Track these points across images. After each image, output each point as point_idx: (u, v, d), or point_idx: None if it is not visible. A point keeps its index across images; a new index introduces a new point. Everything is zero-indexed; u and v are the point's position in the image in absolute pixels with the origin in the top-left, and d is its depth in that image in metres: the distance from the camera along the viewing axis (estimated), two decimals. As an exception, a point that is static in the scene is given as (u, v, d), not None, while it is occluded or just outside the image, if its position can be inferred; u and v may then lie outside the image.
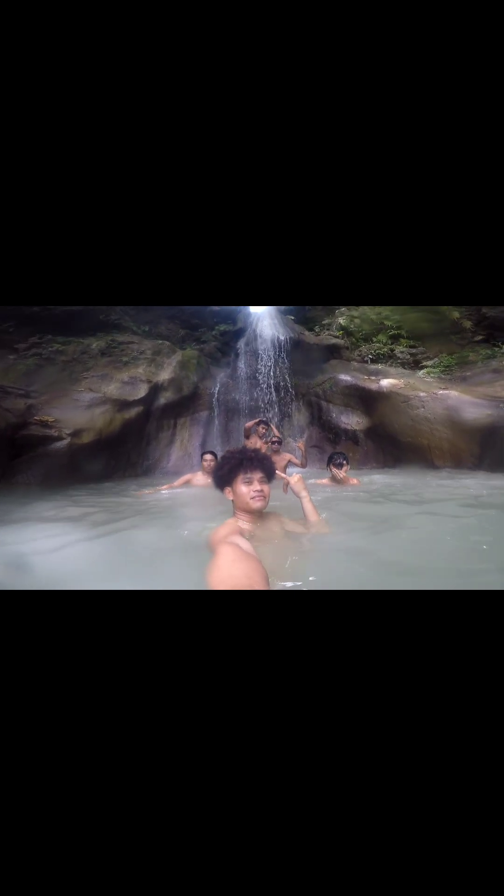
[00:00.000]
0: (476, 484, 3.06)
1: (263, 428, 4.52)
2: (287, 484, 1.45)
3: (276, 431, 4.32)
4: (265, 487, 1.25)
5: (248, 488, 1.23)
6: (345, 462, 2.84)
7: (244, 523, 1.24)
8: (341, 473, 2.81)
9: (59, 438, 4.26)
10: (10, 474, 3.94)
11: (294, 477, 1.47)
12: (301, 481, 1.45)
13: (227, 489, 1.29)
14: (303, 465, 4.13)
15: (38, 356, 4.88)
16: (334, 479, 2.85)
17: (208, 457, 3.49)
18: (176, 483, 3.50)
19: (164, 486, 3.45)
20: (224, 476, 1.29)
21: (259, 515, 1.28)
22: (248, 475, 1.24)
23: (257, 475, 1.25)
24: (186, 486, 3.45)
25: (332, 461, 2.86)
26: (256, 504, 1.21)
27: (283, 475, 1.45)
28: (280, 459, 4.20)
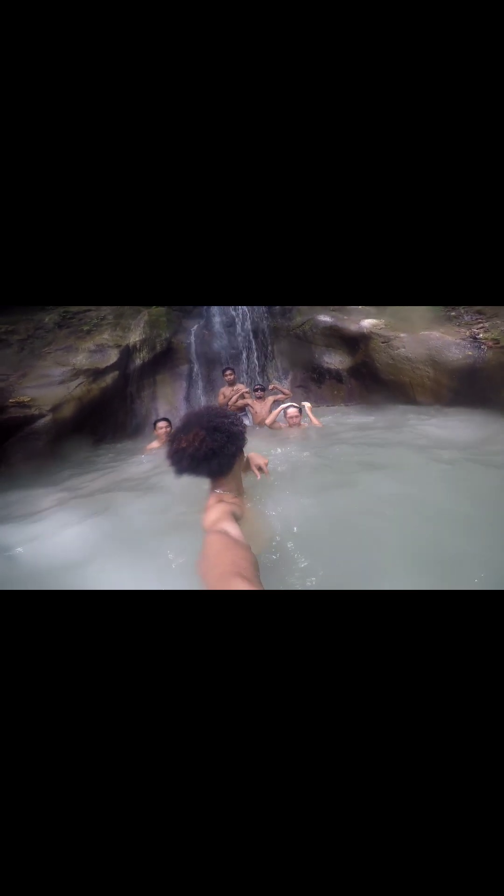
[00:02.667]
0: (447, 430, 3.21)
1: (230, 374, 4.49)
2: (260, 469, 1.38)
3: (283, 390, 4.45)
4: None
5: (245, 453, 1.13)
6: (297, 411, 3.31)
7: (231, 497, 1.10)
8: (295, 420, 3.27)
9: (41, 416, 4.25)
10: (3, 459, 4.05)
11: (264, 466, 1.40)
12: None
13: (238, 460, 1.12)
14: (288, 395, 4.48)
15: (-10, 339, 4.53)
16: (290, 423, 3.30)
17: (162, 424, 3.32)
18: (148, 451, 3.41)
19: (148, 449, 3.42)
20: (235, 453, 1.08)
21: (242, 489, 1.20)
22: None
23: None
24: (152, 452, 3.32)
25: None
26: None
27: (254, 467, 1.38)
28: (265, 404, 4.32)
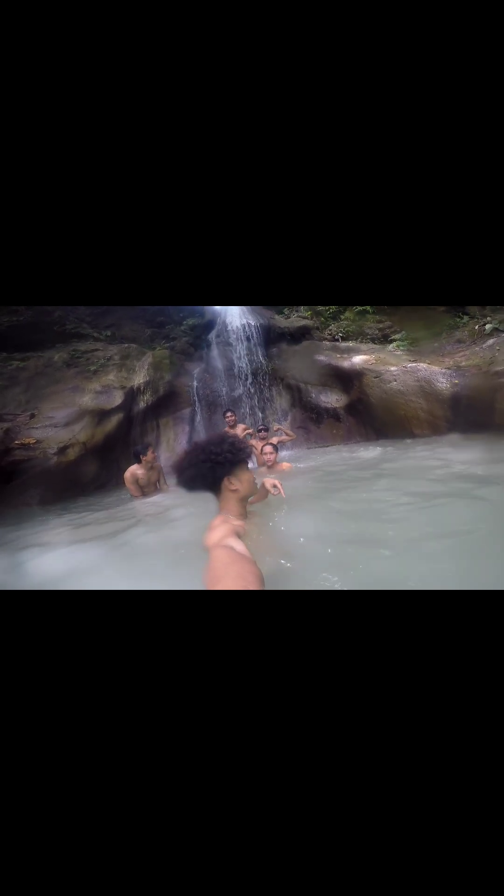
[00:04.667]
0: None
1: (231, 416, 4.62)
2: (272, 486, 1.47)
3: (287, 432, 4.45)
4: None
5: (250, 473, 1.21)
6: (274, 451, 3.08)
7: (235, 519, 1.17)
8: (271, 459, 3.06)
9: (46, 458, 4.22)
10: (8, 498, 3.93)
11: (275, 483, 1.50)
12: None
13: (229, 479, 1.19)
14: (292, 437, 4.41)
15: (0, 376, 4.70)
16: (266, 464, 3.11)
17: (150, 448, 3.42)
18: (133, 489, 3.30)
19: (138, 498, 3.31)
20: (220, 475, 1.19)
21: (246, 509, 1.27)
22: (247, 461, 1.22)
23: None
24: (140, 495, 3.26)
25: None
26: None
27: (269, 487, 1.48)
28: (263, 445, 4.36)
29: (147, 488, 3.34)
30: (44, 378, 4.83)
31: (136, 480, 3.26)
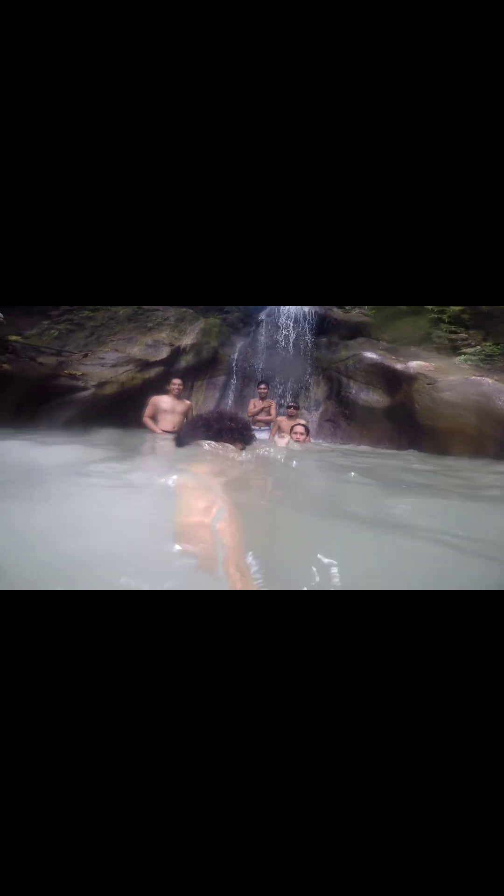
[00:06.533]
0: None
1: (264, 389, 4.63)
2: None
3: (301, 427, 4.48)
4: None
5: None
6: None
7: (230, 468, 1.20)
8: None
9: (85, 388, 4.60)
10: (36, 418, 4.34)
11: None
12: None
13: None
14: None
15: (70, 321, 5.24)
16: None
17: (177, 381, 3.95)
18: (148, 411, 3.81)
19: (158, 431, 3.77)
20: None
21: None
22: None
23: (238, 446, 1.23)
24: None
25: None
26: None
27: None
28: (291, 423, 4.28)
29: (169, 420, 3.71)
30: (106, 329, 5.29)
31: (156, 403, 3.78)
